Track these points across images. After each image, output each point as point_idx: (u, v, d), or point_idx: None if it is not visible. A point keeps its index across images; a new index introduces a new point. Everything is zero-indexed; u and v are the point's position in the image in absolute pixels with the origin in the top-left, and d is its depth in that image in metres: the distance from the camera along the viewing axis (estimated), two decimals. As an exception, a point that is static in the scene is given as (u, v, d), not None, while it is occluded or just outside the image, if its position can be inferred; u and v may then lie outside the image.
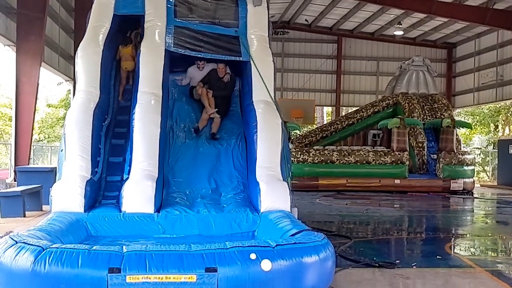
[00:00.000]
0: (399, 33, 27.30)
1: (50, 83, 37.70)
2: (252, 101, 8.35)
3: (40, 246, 4.65)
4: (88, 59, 8.41)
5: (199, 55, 8.63)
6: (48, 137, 36.22)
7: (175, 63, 9.24)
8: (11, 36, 15.21)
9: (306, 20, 27.53)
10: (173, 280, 4.45)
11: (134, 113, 8.04)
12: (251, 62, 8.34)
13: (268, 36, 8.96)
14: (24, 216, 10.57)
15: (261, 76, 8.19)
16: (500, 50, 25.72)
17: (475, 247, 8.96)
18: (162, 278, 4.44)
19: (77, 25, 20.11)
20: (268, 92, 8.23)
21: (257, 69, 8.25)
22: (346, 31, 28.69)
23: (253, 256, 4.59)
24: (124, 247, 4.80)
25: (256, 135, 7.98)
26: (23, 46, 15.14)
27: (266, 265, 4.56)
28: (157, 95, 8.31)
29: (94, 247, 4.74)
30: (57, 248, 4.64)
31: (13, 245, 4.74)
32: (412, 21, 26.07)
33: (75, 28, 20.56)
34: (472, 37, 27.57)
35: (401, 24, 26.00)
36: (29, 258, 4.51)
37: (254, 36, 8.78)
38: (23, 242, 4.77)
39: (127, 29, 9.47)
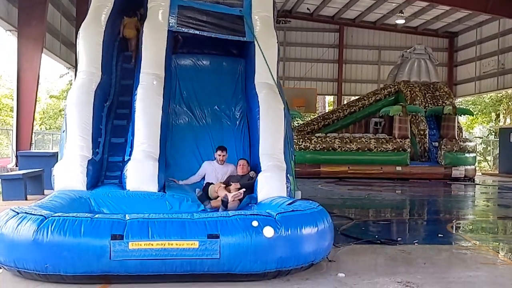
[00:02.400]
0: (400, 21, 27.21)
1: (52, 75, 37.74)
2: (255, 84, 8.32)
3: (42, 215, 4.68)
4: (89, 39, 8.38)
5: (203, 34, 8.55)
6: (50, 128, 36.24)
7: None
8: (12, 21, 15.17)
9: (308, 9, 27.43)
10: (176, 247, 4.48)
11: (136, 94, 8.03)
12: (255, 42, 8.28)
13: (273, 17, 8.91)
14: (26, 199, 10.56)
15: (264, 58, 8.14)
16: (501, 39, 25.64)
17: (477, 227, 8.98)
18: (164, 245, 4.48)
19: (78, 12, 20.04)
20: (271, 73, 8.18)
21: (261, 50, 8.20)
22: (348, 20, 28.58)
23: (255, 223, 4.62)
24: (126, 215, 4.84)
25: (259, 122, 7.95)
26: (25, 31, 15.11)
27: (268, 232, 4.58)
28: (159, 76, 8.29)
29: (96, 215, 4.78)
30: (59, 216, 4.67)
31: (14, 215, 4.77)
32: (413, 10, 25.97)
33: (77, 15, 20.50)
34: (473, 26, 27.47)
35: (402, 13, 25.89)
36: (31, 226, 4.54)
37: (258, 16, 8.71)
38: (25, 213, 4.80)
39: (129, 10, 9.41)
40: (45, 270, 4.49)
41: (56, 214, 4.76)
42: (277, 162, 7.36)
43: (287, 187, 6.97)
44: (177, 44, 9.27)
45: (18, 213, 4.80)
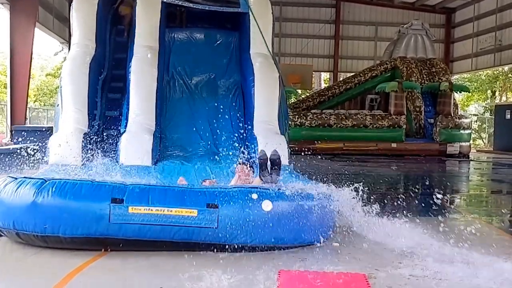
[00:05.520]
0: (398, -4, 26.95)
1: (45, 52, 37.41)
2: (250, 54, 8.30)
3: (42, 178, 4.70)
4: (83, 11, 8.32)
5: (197, 7, 8.49)
6: (44, 105, 36.05)
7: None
8: (4, -6, 14.93)
9: (304, -17, 27.13)
10: (175, 214, 4.51)
11: (130, 66, 7.99)
12: (250, 13, 8.23)
13: None
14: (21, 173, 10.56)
15: (259, 28, 8.10)
16: (499, 15, 25.43)
17: (471, 200, 9.06)
18: (163, 211, 4.51)
19: (71, -14, 19.69)
20: (266, 44, 8.16)
21: (256, 21, 8.16)
22: (345, -5, 28.33)
23: (254, 196, 4.62)
24: (127, 181, 4.86)
25: (254, 90, 7.98)
26: (17, 4, 14.83)
27: (266, 205, 4.58)
28: (153, 49, 8.25)
29: (97, 179, 4.81)
30: (59, 179, 4.69)
31: (12, 181, 4.80)
32: (411, -15, 25.73)
33: (70, -11, 20.19)
34: (471, 1, 27.20)
35: (400, -12, 25.63)
36: (31, 189, 4.57)
37: (252, -13, 8.64)
38: (24, 177, 4.83)
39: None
40: (43, 231, 4.51)
41: (56, 177, 4.79)
42: (272, 128, 7.38)
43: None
44: (182, 19, 9.23)
45: (16, 178, 4.83)
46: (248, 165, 5.84)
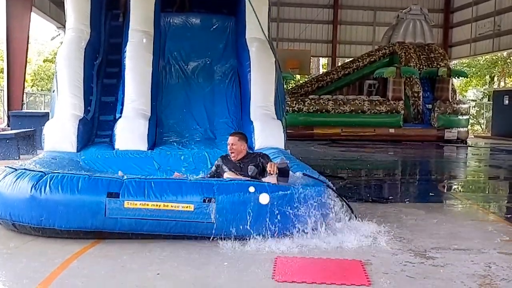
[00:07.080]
0: (397, -19, 26.71)
1: (42, 37, 37.18)
2: (245, 39, 8.23)
3: (41, 171, 4.69)
4: (78, -5, 8.22)
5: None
6: (41, 90, 35.91)
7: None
8: (-1, -22, 14.82)
9: (302, -33, 26.87)
10: (171, 208, 4.46)
11: (125, 52, 7.92)
12: None
13: None
14: (19, 159, 10.54)
15: (255, 12, 8.01)
16: (498, 0, 25.29)
17: (468, 186, 9.07)
18: (160, 206, 4.46)
19: (67, -30, 19.46)
20: (262, 29, 8.08)
21: (251, 5, 8.06)
22: (343, -20, 28.09)
23: (251, 189, 4.57)
24: (124, 175, 4.83)
25: (250, 75, 7.92)
26: (13, -11, 14.78)
27: (264, 198, 4.54)
28: (149, 34, 8.18)
29: (95, 174, 4.79)
30: (58, 173, 4.68)
31: (12, 172, 4.77)
32: (410, -31, 25.48)
33: (66, -27, 19.95)
34: (471, -14, 27.06)
35: (399, -28, 25.41)
36: (30, 182, 4.54)
37: (247, -31, 8.53)
38: (24, 169, 4.80)
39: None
40: (40, 224, 4.50)
41: (56, 171, 4.76)
42: (269, 113, 7.35)
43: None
44: (185, 3, 9.15)
45: (16, 170, 4.81)
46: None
